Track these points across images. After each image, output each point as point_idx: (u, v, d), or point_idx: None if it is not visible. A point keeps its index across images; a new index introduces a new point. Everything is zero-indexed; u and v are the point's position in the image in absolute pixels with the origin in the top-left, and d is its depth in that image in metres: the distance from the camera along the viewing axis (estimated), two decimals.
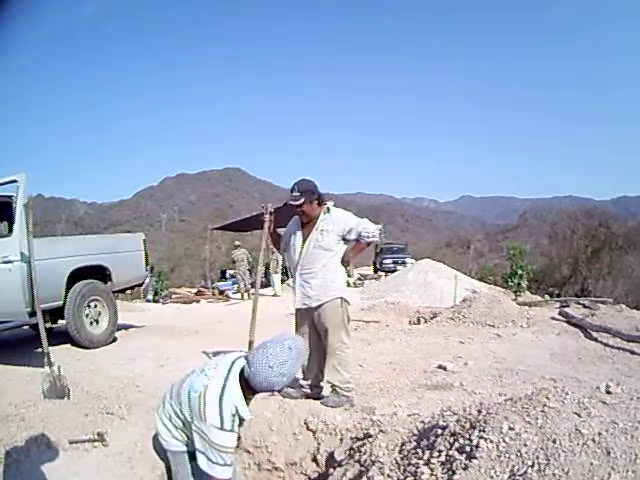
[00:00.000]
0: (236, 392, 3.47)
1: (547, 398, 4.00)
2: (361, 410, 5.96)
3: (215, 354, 7.07)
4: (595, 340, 9.71)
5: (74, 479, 4.67)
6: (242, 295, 24.05)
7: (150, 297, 26.65)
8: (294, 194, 6.25)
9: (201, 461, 3.49)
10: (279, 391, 4.50)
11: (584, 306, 13.98)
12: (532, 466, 3.29)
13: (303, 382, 6.62)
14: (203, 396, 3.45)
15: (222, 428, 3.39)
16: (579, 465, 3.17)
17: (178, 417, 3.75)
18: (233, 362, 3.60)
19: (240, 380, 3.51)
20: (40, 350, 7.46)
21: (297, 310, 6.61)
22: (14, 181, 8.15)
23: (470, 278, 27.46)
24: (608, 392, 4.22)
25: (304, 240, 6.45)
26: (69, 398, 6.49)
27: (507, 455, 3.49)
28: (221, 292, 23.49)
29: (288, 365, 3.36)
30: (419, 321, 13.70)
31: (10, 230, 8.36)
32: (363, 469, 4.52)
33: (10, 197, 8.59)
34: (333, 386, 6.35)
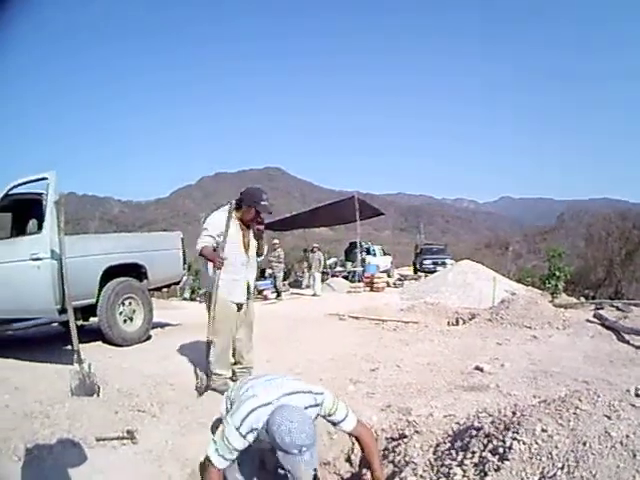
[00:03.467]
0: (263, 419, 3.71)
1: (579, 400, 4.00)
2: (397, 411, 5.97)
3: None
4: (627, 343, 9.61)
5: (99, 476, 4.64)
6: (277, 295, 23.95)
7: (187, 295, 26.68)
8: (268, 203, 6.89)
9: (210, 445, 3.91)
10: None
11: (617, 308, 13.98)
12: (562, 468, 3.29)
13: (223, 371, 7.05)
14: (245, 400, 3.88)
15: (238, 429, 3.73)
16: (606, 467, 3.15)
17: (232, 403, 4.23)
18: (287, 394, 3.86)
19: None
20: (70, 347, 7.46)
21: (230, 304, 6.94)
22: (44, 178, 8.11)
23: (508, 279, 27.26)
24: (637, 395, 4.19)
25: (249, 240, 6.94)
26: (99, 395, 6.46)
27: (538, 457, 3.50)
28: (260, 291, 23.35)
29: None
30: (457, 322, 13.65)
31: (40, 227, 8.30)
32: (397, 469, 4.52)
33: (40, 194, 8.63)
34: (249, 368, 7.22)
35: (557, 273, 22.19)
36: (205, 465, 4.06)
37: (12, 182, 8.38)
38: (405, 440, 4.94)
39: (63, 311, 7.84)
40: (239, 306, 7.04)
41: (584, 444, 3.42)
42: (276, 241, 25.77)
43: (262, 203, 6.67)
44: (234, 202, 6.89)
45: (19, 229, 10.56)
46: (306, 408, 3.86)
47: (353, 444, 5.32)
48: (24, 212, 10.23)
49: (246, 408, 3.78)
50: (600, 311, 12.79)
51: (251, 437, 3.76)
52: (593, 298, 28.66)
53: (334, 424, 4.22)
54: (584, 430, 3.57)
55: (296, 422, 3.45)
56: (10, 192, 8.41)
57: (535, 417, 3.90)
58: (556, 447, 3.50)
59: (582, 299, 25.42)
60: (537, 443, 3.59)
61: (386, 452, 5.01)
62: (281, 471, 4.31)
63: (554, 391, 6.26)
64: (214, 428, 5.44)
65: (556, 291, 22.10)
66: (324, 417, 4.11)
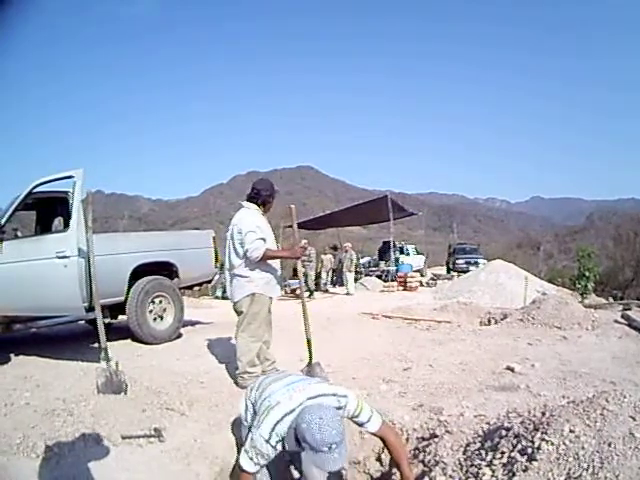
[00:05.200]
0: (289, 426, 3.81)
1: (606, 401, 4.01)
2: (429, 410, 5.96)
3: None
4: None
5: (124, 474, 4.62)
6: (309, 293, 24.02)
7: (219, 294, 26.77)
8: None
9: (242, 454, 3.99)
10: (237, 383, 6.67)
11: None
12: (587, 469, 3.32)
13: (254, 370, 7.00)
14: (269, 410, 3.92)
15: (268, 441, 3.81)
16: (628, 469, 3.19)
17: (253, 405, 4.40)
18: (310, 398, 3.91)
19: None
20: (96, 345, 7.58)
21: (268, 300, 7.10)
22: (70, 177, 8.09)
23: (539, 279, 27.39)
24: None
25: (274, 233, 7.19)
26: (126, 393, 6.45)
27: (565, 458, 3.52)
28: (292, 290, 23.50)
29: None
30: (490, 322, 13.68)
31: (66, 225, 8.31)
32: (426, 469, 4.54)
33: (66, 193, 8.64)
34: (274, 363, 7.34)
35: (587, 273, 22.30)
36: (239, 474, 4.08)
37: (36, 180, 8.37)
38: (436, 440, 4.95)
39: (90, 309, 7.92)
40: (270, 303, 7.12)
41: (609, 445, 3.45)
42: (305, 241, 25.92)
43: (275, 190, 7.12)
44: (252, 200, 7.04)
45: (44, 227, 10.65)
46: None
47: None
48: (49, 210, 10.32)
49: (272, 419, 3.84)
50: (628, 312, 12.82)
51: (280, 445, 3.86)
52: (621, 299, 28.54)
53: (359, 425, 4.27)
54: (610, 431, 3.60)
55: (325, 419, 3.51)
56: (34, 190, 8.40)
57: (563, 418, 3.92)
58: (582, 448, 3.52)
59: (610, 299, 25.50)
60: (565, 444, 3.62)
61: (416, 452, 5.02)
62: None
63: (582, 392, 6.28)
64: (233, 427, 5.54)
65: (586, 291, 22.21)
66: (349, 418, 4.15)
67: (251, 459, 3.86)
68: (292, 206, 7.71)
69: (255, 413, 4.27)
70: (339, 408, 3.97)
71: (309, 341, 7.30)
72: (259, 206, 6.98)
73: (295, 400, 3.86)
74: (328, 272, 28.40)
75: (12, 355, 8.58)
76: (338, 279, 29.76)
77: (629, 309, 14.38)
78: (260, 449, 3.81)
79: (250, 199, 7.01)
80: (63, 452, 4.74)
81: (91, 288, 7.56)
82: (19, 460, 4.62)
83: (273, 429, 3.78)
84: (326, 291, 27.00)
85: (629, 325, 11.10)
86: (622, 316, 11.96)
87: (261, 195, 6.95)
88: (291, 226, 7.93)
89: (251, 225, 6.68)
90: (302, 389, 3.99)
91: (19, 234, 8.95)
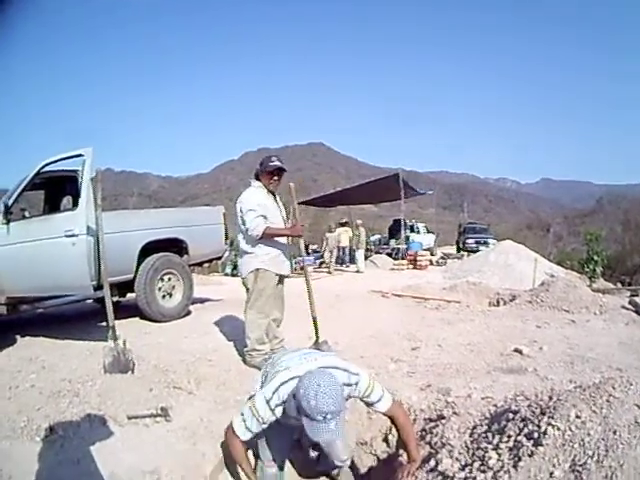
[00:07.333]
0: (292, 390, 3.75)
1: (613, 388, 3.97)
2: (437, 391, 5.96)
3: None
4: None
5: (129, 454, 4.58)
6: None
7: (229, 271, 26.81)
8: (280, 162, 7.00)
9: (237, 416, 4.01)
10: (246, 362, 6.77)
11: None
12: (592, 457, 3.28)
13: (263, 347, 7.08)
14: (277, 373, 3.94)
15: (268, 402, 3.81)
16: (633, 458, 3.14)
17: (266, 379, 4.22)
18: (321, 367, 3.84)
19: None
20: (104, 324, 7.54)
21: (274, 276, 7.10)
22: (79, 155, 8.07)
23: (549, 261, 27.46)
24: None
25: (286, 211, 7.28)
26: (133, 372, 6.43)
27: (571, 444, 3.49)
28: (302, 267, 23.50)
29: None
30: (498, 303, 13.77)
31: (75, 204, 8.27)
32: (433, 451, 4.50)
33: (75, 171, 8.72)
34: (282, 341, 7.44)
35: (595, 257, 22.39)
36: (228, 435, 4.09)
37: (45, 160, 8.37)
38: (443, 421, 4.93)
39: (99, 287, 7.89)
40: (280, 279, 7.19)
41: (614, 433, 3.42)
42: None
43: (271, 164, 6.90)
44: (254, 178, 7.11)
45: (52, 206, 10.69)
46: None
47: (391, 425, 5.17)
48: (57, 190, 10.35)
49: (278, 380, 3.83)
50: (635, 298, 12.81)
51: (279, 411, 3.85)
52: (629, 284, 28.48)
53: (368, 405, 4.24)
54: (615, 419, 3.57)
55: (323, 386, 3.43)
56: (43, 169, 8.44)
57: (570, 403, 3.89)
58: (588, 434, 3.50)
59: (618, 285, 25.42)
60: (571, 429, 3.60)
61: (423, 433, 5.00)
62: (313, 453, 4.28)
63: (589, 377, 6.25)
64: None
65: (594, 275, 22.28)
66: (359, 398, 4.14)
67: (244, 421, 3.87)
68: (291, 184, 7.79)
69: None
70: (348, 385, 3.94)
71: (315, 319, 7.38)
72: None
73: (305, 367, 3.83)
74: (333, 251, 27.98)
75: (18, 336, 8.62)
76: (349, 256, 29.52)
77: (637, 295, 14.47)
78: (258, 409, 3.82)
79: (255, 176, 7.09)
80: (68, 434, 4.72)
81: (99, 266, 7.53)
82: (23, 444, 4.60)
83: (277, 390, 3.79)
84: (329, 272, 26.47)
85: (636, 312, 11.13)
86: (630, 302, 12.01)
87: (255, 172, 7.05)
88: (299, 203, 7.91)
89: (251, 203, 6.77)
90: (314, 359, 3.99)
91: (27, 214, 8.98)
